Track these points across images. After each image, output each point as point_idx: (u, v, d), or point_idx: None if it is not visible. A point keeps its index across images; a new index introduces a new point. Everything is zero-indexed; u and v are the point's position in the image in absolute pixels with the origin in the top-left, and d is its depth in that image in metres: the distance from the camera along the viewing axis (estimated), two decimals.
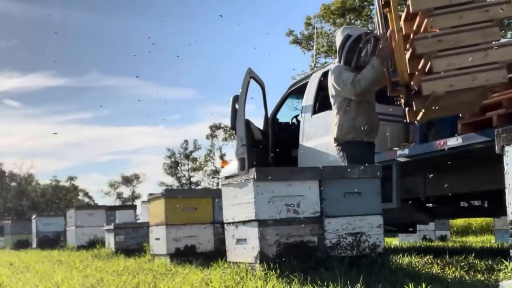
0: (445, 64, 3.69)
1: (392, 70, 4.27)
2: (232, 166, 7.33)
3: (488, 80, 3.62)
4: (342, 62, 4.69)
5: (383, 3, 4.05)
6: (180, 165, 46.64)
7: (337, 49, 4.84)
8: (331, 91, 4.85)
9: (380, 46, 4.46)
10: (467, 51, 3.66)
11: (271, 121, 6.91)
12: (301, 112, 6.50)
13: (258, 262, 3.60)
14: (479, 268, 3.72)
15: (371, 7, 20.58)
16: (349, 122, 4.69)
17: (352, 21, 20.95)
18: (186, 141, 46.50)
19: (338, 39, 4.81)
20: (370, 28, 16.39)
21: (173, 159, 46.37)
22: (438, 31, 3.72)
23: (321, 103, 6.18)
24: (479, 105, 4.18)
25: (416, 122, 4.55)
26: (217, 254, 4.90)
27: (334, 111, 4.85)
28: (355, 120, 4.68)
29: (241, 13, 56.97)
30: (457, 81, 3.67)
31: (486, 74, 3.61)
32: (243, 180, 3.86)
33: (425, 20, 3.73)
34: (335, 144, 4.83)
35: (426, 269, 3.66)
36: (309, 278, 3.03)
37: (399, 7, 3.97)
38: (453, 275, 3.35)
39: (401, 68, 3.96)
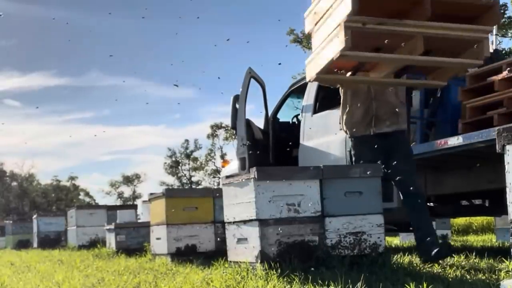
0: (317, 39, 3.39)
1: None
2: (233, 166, 7.33)
3: (334, 51, 3.14)
4: None
5: None
6: (181, 164, 46.68)
7: None
8: None
9: None
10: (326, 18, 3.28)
11: (272, 120, 6.91)
12: (302, 112, 6.50)
13: (259, 261, 3.60)
14: (480, 267, 3.72)
15: None
16: (346, 116, 4.37)
17: None
18: (187, 140, 46.56)
19: None
20: None
21: (174, 159, 46.40)
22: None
23: (322, 103, 6.18)
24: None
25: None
26: (218, 253, 4.90)
27: None
28: (351, 112, 4.33)
29: (242, 13, 56.97)
30: (322, 57, 3.32)
31: (333, 42, 3.14)
32: (243, 180, 3.86)
33: None
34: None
35: (427, 269, 3.66)
36: (310, 277, 3.03)
37: None
38: (454, 274, 3.35)
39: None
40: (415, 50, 3.08)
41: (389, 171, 4.18)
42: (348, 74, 3.71)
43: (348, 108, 4.35)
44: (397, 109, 4.26)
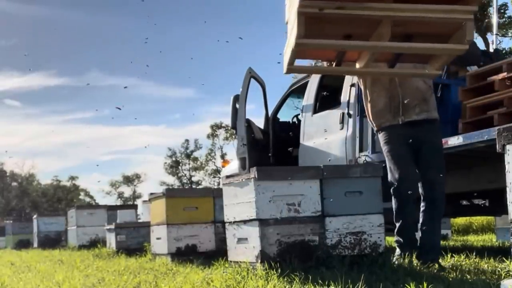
0: (289, 29, 3.07)
1: None
2: (233, 166, 7.33)
3: (292, 40, 2.87)
4: None
5: None
6: (181, 164, 46.69)
7: None
8: None
9: None
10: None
11: (272, 120, 6.92)
12: (302, 112, 6.50)
13: (259, 261, 3.60)
14: (480, 267, 3.72)
15: None
16: (370, 107, 4.07)
17: None
18: (187, 140, 46.59)
19: None
20: None
21: (174, 159, 46.42)
22: None
23: (322, 102, 6.18)
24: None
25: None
26: (218, 253, 4.90)
27: None
28: (374, 101, 4.03)
29: (241, 13, 56.97)
30: (287, 48, 3.05)
31: (293, 30, 2.86)
32: (244, 180, 3.86)
33: None
34: None
35: (427, 268, 3.66)
36: (310, 277, 3.03)
37: None
38: (454, 274, 3.35)
39: None
40: (382, 36, 2.79)
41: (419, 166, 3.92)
42: (325, 63, 3.55)
43: (369, 98, 4.04)
44: (426, 95, 3.94)
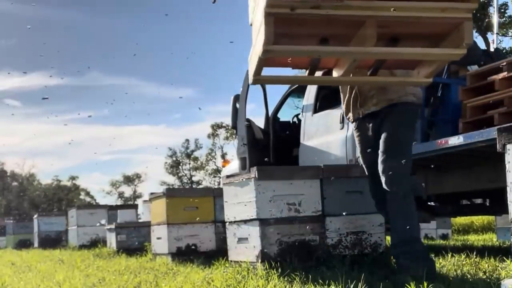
0: (254, 32, 2.63)
1: None
2: (234, 165, 7.33)
3: (260, 46, 2.40)
4: None
5: None
6: (181, 164, 46.68)
7: None
8: None
9: None
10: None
11: (272, 120, 6.91)
12: (302, 111, 6.50)
13: (260, 261, 3.60)
14: (480, 266, 3.72)
15: None
16: (342, 101, 3.71)
17: None
18: (187, 140, 46.59)
19: None
20: None
21: (174, 159, 46.41)
22: None
23: (322, 102, 6.18)
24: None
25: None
26: (219, 253, 4.91)
27: None
28: (343, 96, 3.66)
29: (241, 13, 56.90)
30: (255, 54, 2.59)
31: (259, 35, 2.40)
32: (244, 179, 3.86)
33: None
34: None
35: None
36: (310, 277, 3.03)
37: None
38: (455, 273, 3.35)
39: None
40: (366, 40, 2.38)
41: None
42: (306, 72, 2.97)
43: (341, 91, 3.69)
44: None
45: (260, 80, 2.76)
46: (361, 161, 3.62)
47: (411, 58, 2.65)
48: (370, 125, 3.46)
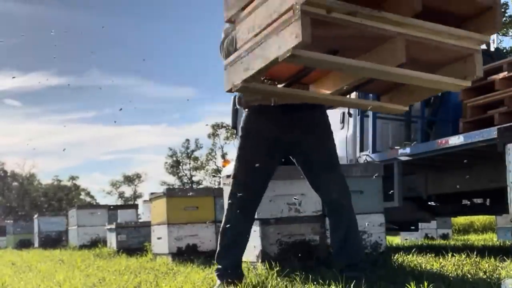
0: (245, 29, 2.29)
1: None
2: None
3: (280, 47, 2.04)
4: None
5: None
6: (181, 164, 46.70)
7: None
8: None
9: None
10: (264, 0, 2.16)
11: None
12: None
13: (260, 261, 3.60)
14: (481, 266, 3.72)
15: None
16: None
17: None
18: (187, 140, 46.61)
19: None
20: None
21: (174, 158, 46.44)
22: None
23: None
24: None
25: None
26: None
27: None
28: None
29: None
30: (253, 57, 2.23)
31: (279, 35, 2.05)
32: None
33: None
34: None
35: (428, 268, 3.66)
36: (310, 276, 3.03)
37: None
38: (455, 273, 3.34)
39: None
40: (394, 59, 2.14)
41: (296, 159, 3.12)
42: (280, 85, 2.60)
43: None
44: None
45: (246, 88, 2.37)
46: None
47: (424, 85, 2.45)
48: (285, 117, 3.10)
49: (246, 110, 3.14)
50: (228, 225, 3.05)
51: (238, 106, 3.26)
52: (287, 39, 1.99)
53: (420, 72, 2.27)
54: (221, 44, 2.99)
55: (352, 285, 2.63)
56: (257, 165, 2.94)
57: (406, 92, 2.62)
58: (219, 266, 3.06)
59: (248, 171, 2.99)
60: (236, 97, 3.16)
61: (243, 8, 2.30)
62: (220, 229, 3.11)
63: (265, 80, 2.57)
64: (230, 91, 2.40)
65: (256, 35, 2.20)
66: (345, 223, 3.03)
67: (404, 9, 2.11)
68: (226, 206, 3.10)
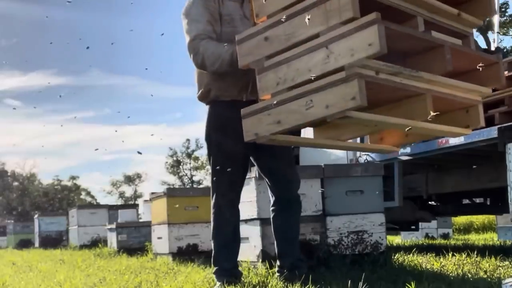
0: (273, 80, 2.25)
1: None
2: None
3: (329, 107, 2.04)
4: None
5: None
6: (182, 164, 46.70)
7: None
8: None
9: None
10: (301, 53, 2.13)
11: None
12: None
13: (260, 260, 3.60)
14: (481, 266, 3.72)
15: None
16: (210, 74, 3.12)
17: None
18: (188, 140, 46.60)
19: None
20: None
21: (175, 158, 46.43)
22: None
23: None
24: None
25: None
26: None
27: None
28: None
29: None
30: (287, 112, 2.20)
31: (327, 94, 2.05)
32: None
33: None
34: None
35: (429, 267, 3.66)
36: (311, 276, 3.03)
37: None
38: (455, 273, 3.34)
39: None
40: (423, 114, 2.20)
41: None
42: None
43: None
44: None
45: (275, 140, 2.38)
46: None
47: (430, 134, 2.59)
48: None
49: (213, 104, 3.07)
50: (219, 225, 3.08)
51: (202, 101, 3.15)
52: (339, 100, 2.00)
53: (432, 124, 2.31)
54: (195, 47, 2.97)
55: (352, 285, 2.63)
56: (239, 158, 3.00)
57: (400, 135, 2.65)
58: (217, 267, 3.07)
59: (232, 164, 3.00)
60: (202, 91, 3.11)
61: (269, 57, 2.25)
62: (211, 233, 3.12)
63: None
64: (251, 141, 2.39)
65: (290, 88, 2.17)
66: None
67: (436, 69, 2.19)
68: (212, 209, 3.08)
